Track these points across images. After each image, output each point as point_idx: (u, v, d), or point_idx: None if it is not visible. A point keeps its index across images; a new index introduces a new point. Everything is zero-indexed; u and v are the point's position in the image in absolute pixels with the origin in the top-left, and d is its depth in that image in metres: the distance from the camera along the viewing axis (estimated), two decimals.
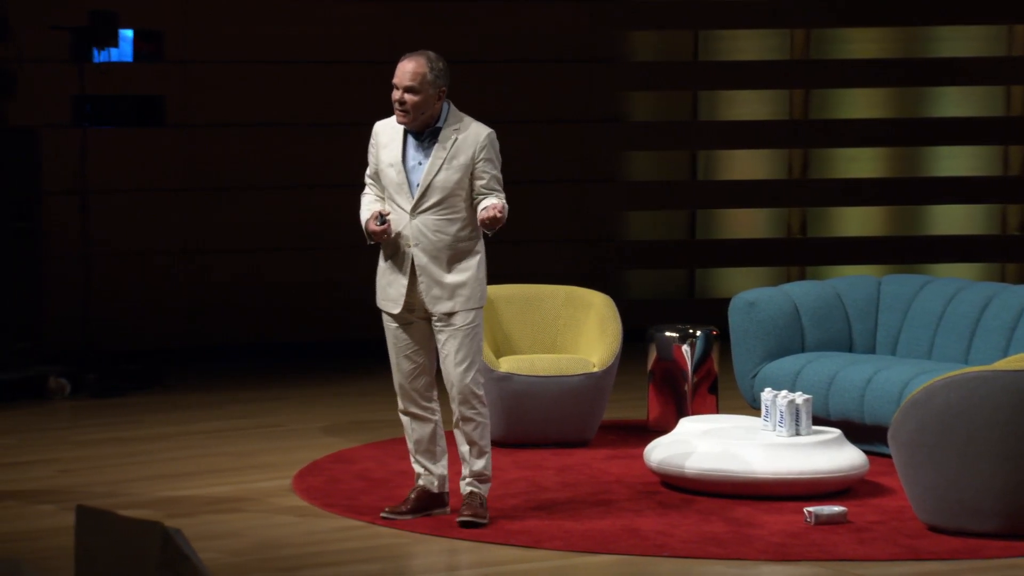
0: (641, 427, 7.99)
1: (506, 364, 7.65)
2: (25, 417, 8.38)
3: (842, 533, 6.15)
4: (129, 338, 9.83)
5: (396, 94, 6.06)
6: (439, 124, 6.10)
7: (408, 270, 6.13)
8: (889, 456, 6.46)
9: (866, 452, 6.95)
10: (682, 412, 7.79)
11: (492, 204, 6.01)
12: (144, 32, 9.29)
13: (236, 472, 7.17)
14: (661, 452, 6.80)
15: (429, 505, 6.29)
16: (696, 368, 7.87)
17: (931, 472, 6.02)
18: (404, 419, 6.30)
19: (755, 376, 7.71)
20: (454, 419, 6.21)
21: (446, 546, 6.01)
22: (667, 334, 7.93)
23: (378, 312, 6.33)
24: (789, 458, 6.61)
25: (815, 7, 10.90)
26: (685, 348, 7.87)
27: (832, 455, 6.66)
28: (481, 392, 6.18)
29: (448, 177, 6.07)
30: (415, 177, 6.11)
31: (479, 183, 6.07)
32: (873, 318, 7.86)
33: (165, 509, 6.46)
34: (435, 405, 6.29)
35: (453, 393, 6.16)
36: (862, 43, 11.06)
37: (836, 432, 6.81)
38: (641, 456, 7.02)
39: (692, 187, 11.08)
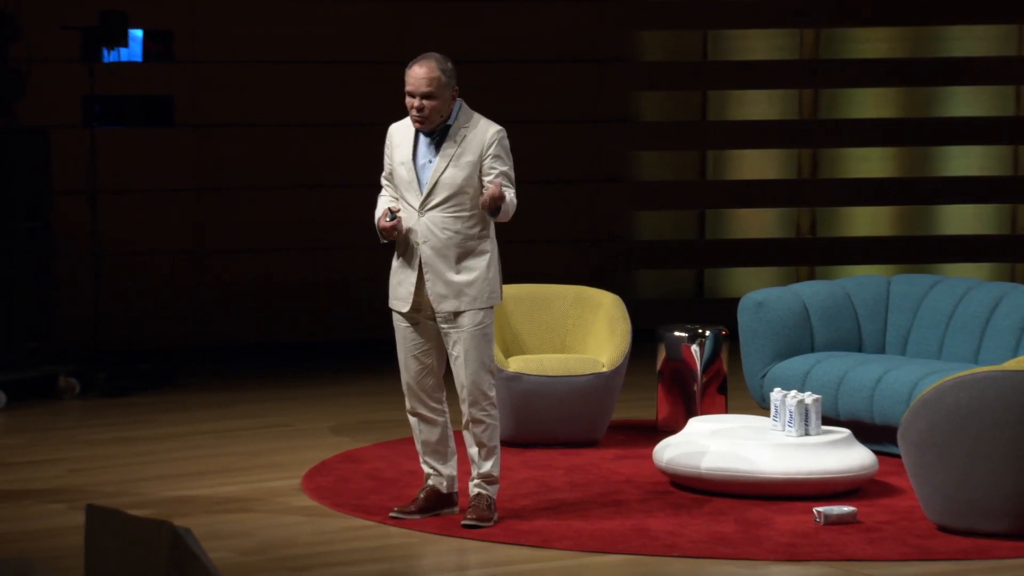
0: (650, 427, 7.99)
1: (515, 364, 7.65)
2: (35, 416, 8.39)
3: (851, 533, 6.14)
4: (138, 338, 9.84)
5: (414, 102, 6.05)
6: (449, 123, 6.11)
7: (416, 268, 6.13)
8: (899, 456, 6.45)
9: (875, 452, 6.94)
10: (691, 412, 7.78)
11: (496, 182, 6.00)
12: (153, 32, 9.30)
13: (245, 472, 7.17)
14: (670, 452, 6.79)
15: (438, 505, 6.29)
16: (705, 368, 7.87)
17: (941, 472, 6.02)
18: (412, 420, 6.30)
19: (764, 376, 7.70)
20: (463, 420, 6.21)
21: (455, 546, 6.01)
22: (676, 334, 7.92)
23: (386, 312, 6.33)
24: (798, 458, 6.60)
25: (825, 7, 10.89)
26: (694, 348, 7.87)
27: (841, 455, 6.66)
28: (492, 393, 6.16)
29: (455, 174, 6.07)
30: (424, 175, 6.12)
31: (486, 179, 6.06)
32: (883, 318, 7.85)
33: (174, 508, 6.47)
34: (443, 406, 6.28)
35: (463, 394, 6.15)
36: (872, 43, 11.05)
37: (845, 432, 6.80)
38: (650, 456, 7.02)
39: (701, 187, 11.07)
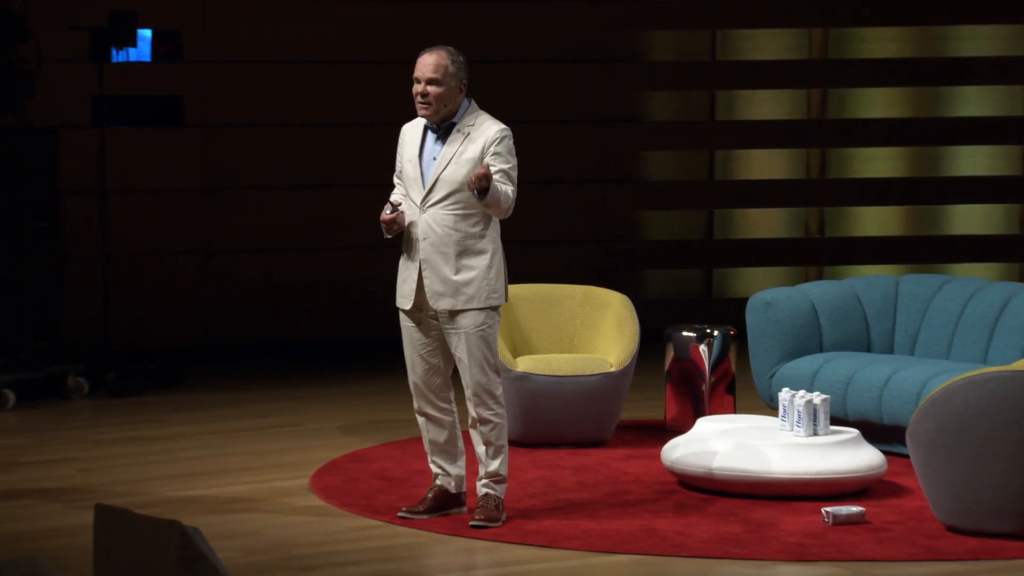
0: (658, 427, 7.98)
1: (523, 364, 7.65)
2: (44, 416, 8.40)
3: (860, 533, 6.14)
4: (147, 337, 9.85)
5: (418, 87, 6.07)
6: (455, 120, 6.11)
7: (417, 265, 6.13)
8: (907, 456, 6.45)
9: (884, 452, 6.94)
10: (699, 412, 7.78)
11: (486, 163, 5.96)
12: (162, 32, 9.31)
13: (254, 471, 7.18)
14: (678, 452, 6.79)
15: (446, 505, 6.29)
16: (713, 368, 7.87)
17: (949, 472, 6.01)
18: (420, 419, 6.30)
19: (773, 376, 7.70)
20: (470, 419, 6.21)
21: (463, 546, 6.01)
22: (684, 334, 7.92)
23: (394, 311, 6.33)
24: (807, 458, 6.60)
25: (833, 6, 10.88)
26: (702, 348, 7.87)
27: (850, 455, 6.65)
28: (498, 392, 6.16)
29: (457, 171, 6.06)
30: (428, 171, 6.12)
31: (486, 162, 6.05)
32: (891, 318, 7.84)
33: (183, 508, 6.48)
34: (451, 406, 6.28)
35: (468, 394, 6.15)
36: (880, 42, 11.04)
37: (854, 432, 6.80)
38: (658, 456, 7.02)
39: (709, 187, 11.07)
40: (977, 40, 11.07)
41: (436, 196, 6.09)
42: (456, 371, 6.24)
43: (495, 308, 6.16)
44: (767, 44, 10.98)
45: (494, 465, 6.18)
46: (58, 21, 9.23)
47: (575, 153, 10.62)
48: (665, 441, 7.07)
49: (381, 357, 9.95)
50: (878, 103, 11.08)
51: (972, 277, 7.95)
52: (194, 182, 10.02)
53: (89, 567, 4.32)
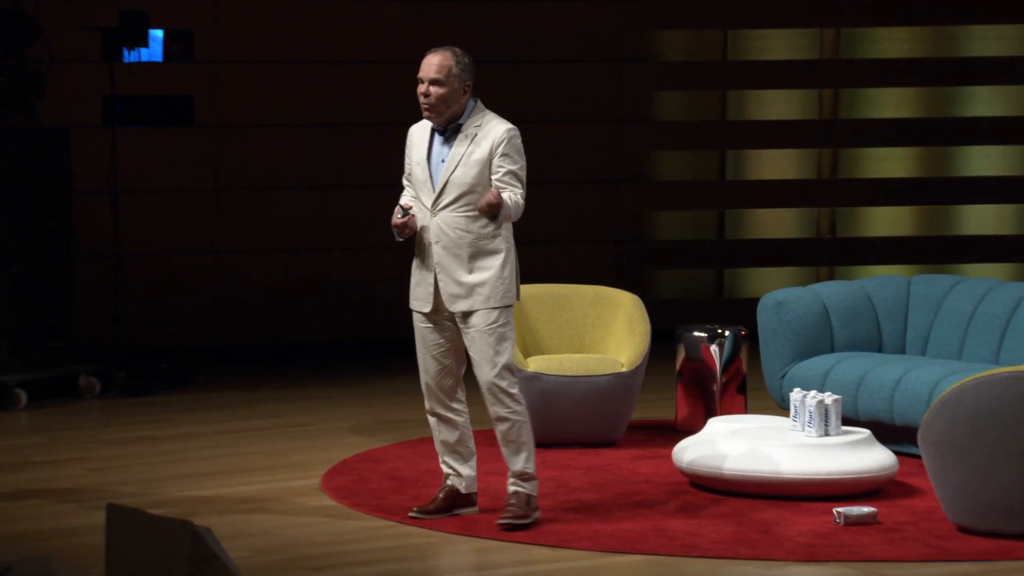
0: (669, 427, 7.98)
1: (534, 364, 7.65)
2: (55, 416, 8.42)
3: (872, 534, 6.13)
4: (159, 337, 9.86)
5: (421, 87, 6.07)
6: (461, 121, 6.09)
7: (431, 268, 6.12)
8: (919, 457, 6.44)
9: (896, 453, 6.93)
10: (711, 412, 7.77)
11: (492, 191, 5.97)
12: (174, 32, 9.33)
13: (265, 471, 7.18)
14: (690, 452, 6.79)
15: (457, 505, 6.29)
16: (725, 368, 7.86)
17: (961, 473, 6.00)
18: (431, 420, 6.30)
19: (784, 376, 7.69)
20: (491, 418, 6.19)
21: (475, 545, 6.01)
22: (695, 334, 7.92)
23: (405, 311, 6.33)
24: (818, 459, 6.59)
25: (845, 6, 10.87)
26: (714, 348, 7.86)
27: (861, 455, 6.65)
28: (514, 390, 6.13)
29: (466, 173, 6.06)
30: (437, 174, 6.11)
31: (494, 177, 6.05)
32: (903, 318, 7.83)
33: (194, 508, 6.48)
34: (462, 407, 6.27)
35: (485, 393, 6.14)
36: (892, 42, 11.02)
37: (865, 432, 6.79)
38: (669, 456, 7.02)
39: (721, 187, 11.06)
40: (989, 40, 11.05)
41: (446, 199, 6.08)
42: (469, 372, 6.23)
43: (509, 307, 6.15)
44: (778, 44, 10.97)
45: (519, 463, 6.15)
46: (70, 21, 9.24)
47: (586, 153, 10.62)
48: (676, 441, 7.07)
49: (392, 357, 9.95)
50: (889, 103, 11.06)
51: (984, 277, 7.93)
52: (205, 182, 10.03)
53: (101, 567, 4.32)
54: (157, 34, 9.21)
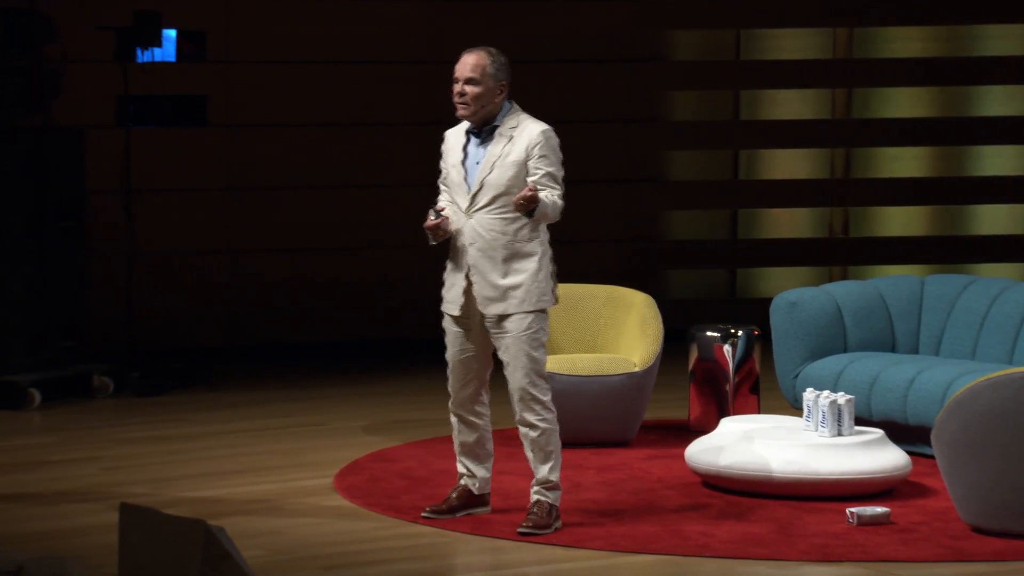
0: (682, 427, 7.97)
1: (547, 363, 7.62)
2: (69, 415, 8.43)
3: (885, 534, 6.12)
4: (172, 337, 9.87)
5: (456, 87, 6.03)
6: (496, 123, 6.06)
7: (465, 270, 6.07)
8: (932, 457, 6.43)
9: (909, 453, 6.92)
10: (723, 412, 7.77)
11: (531, 184, 5.93)
12: (187, 32, 9.34)
13: (278, 471, 7.19)
14: (702, 452, 6.78)
15: (469, 505, 6.28)
16: (737, 368, 7.85)
17: (975, 473, 5.99)
18: (453, 419, 6.27)
19: (797, 376, 7.68)
20: (517, 424, 6.17)
21: (487, 545, 6.01)
22: (708, 334, 7.91)
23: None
24: (831, 459, 6.59)
25: (858, 6, 10.85)
26: (726, 348, 7.85)
27: (875, 455, 6.64)
28: (545, 397, 6.07)
29: (501, 175, 6.02)
30: (472, 176, 6.07)
31: (531, 179, 6.00)
32: (916, 318, 7.82)
33: (207, 507, 6.49)
34: (484, 410, 6.22)
35: (513, 398, 6.10)
36: (905, 42, 11.01)
37: (879, 432, 6.78)
38: (682, 456, 7.01)
39: (734, 187, 11.05)
40: (1003, 39, 11.03)
41: (481, 201, 6.03)
42: (497, 375, 6.19)
43: (544, 311, 6.09)
44: (791, 44, 10.95)
45: (543, 471, 6.11)
46: (84, 21, 9.26)
47: (599, 153, 10.61)
48: (689, 441, 7.06)
49: (405, 357, 9.96)
50: (903, 103, 11.05)
51: (998, 277, 7.92)
52: (218, 182, 10.04)
53: (114, 566, 4.32)
54: (170, 34, 9.23)
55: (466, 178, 6.07)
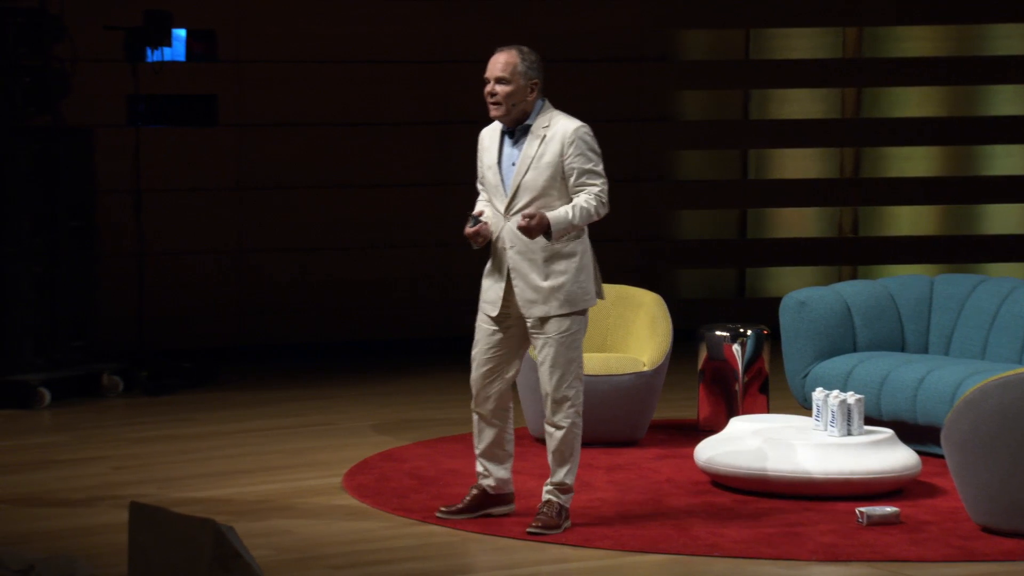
0: (691, 427, 7.97)
1: None
2: (79, 415, 8.44)
3: (894, 534, 6.12)
4: (182, 336, 9.88)
5: (488, 87, 5.97)
6: (529, 122, 6.01)
7: (505, 273, 6.03)
8: (942, 456, 6.42)
9: (919, 452, 6.91)
10: (732, 412, 7.76)
11: (527, 214, 5.84)
12: (197, 32, 9.34)
13: (287, 470, 7.20)
14: (711, 452, 6.78)
15: (485, 505, 6.24)
16: (747, 368, 7.85)
17: (984, 473, 5.98)
18: (474, 417, 6.23)
19: (806, 376, 7.67)
20: (544, 423, 6.16)
21: (497, 544, 6.01)
22: (718, 333, 7.91)
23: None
24: (841, 458, 6.58)
25: (868, 5, 10.84)
26: (736, 347, 7.85)
27: (884, 455, 6.63)
28: (578, 400, 6.04)
29: (537, 177, 5.97)
30: (509, 178, 6.02)
31: (570, 180, 5.95)
32: (926, 318, 7.81)
33: (216, 506, 6.50)
34: (507, 412, 6.18)
35: (545, 398, 6.07)
36: (915, 41, 11.00)
37: (888, 432, 6.78)
38: (691, 456, 7.01)
39: (743, 186, 11.05)
40: (1013, 39, 11.01)
41: (519, 203, 5.98)
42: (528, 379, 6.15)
43: (584, 312, 6.05)
44: (801, 43, 10.95)
45: (560, 474, 6.09)
46: (93, 21, 9.27)
47: (608, 153, 10.52)
48: (698, 441, 7.06)
49: (414, 356, 9.96)
50: (913, 102, 11.03)
51: (1008, 277, 7.91)
52: (228, 181, 10.05)
53: (124, 565, 4.33)
54: (180, 34, 9.23)
55: (502, 180, 6.02)
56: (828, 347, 7.69)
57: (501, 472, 6.23)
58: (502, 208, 6.03)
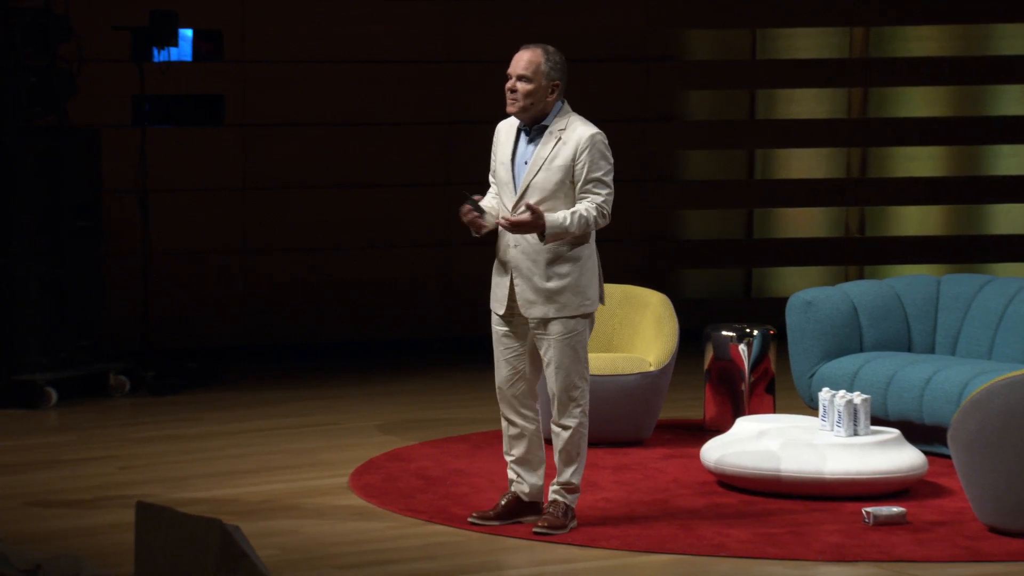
0: (697, 427, 7.96)
1: None
2: (85, 414, 8.45)
3: (901, 534, 6.11)
4: (187, 336, 9.89)
5: (509, 83, 5.96)
6: (546, 123, 6.00)
7: (509, 271, 6.03)
8: (948, 457, 6.41)
9: (925, 453, 6.90)
10: (739, 412, 7.76)
11: (518, 212, 5.84)
12: (203, 32, 9.34)
13: (293, 470, 7.19)
14: (718, 452, 6.77)
15: (518, 512, 6.16)
16: (753, 368, 7.84)
17: (991, 473, 5.97)
18: (503, 421, 6.19)
19: (812, 376, 7.67)
20: (551, 423, 6.15)
21: (502, 544, 6.01)
22: (724, 333, 7.90)
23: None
24: (847, 458, 6.57)
25: (874, 5, 10.83)
26: (742, 347, 7.84)
27: (891, 455, 6.62)
28: (582, 401, 6.03)
29: (547, 178, 5.96)
30: (520, 176, 6.01)
31: (578, 186, 5.95)
32: (932, 318, 7.80)
33: (223, 506, 6.50)
34: (534, 414, 6.14)
35: (552, 399, 6.05)
36: (921, 41, 10.98)
37: (895, 432, 6.77)
38: (697, 456, 7.00)
39: (749, 186, 11.04)
40: (1019, 39, 10.99)
41: (527, 202, 5.95)
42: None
43: (587, 316, 6.04)
44: (807, 43, 10.93)
45: (567, 474, 6.08)
46: (100, 21, 9.27)
47: (615, 152, 10.56)
48: (704, 441, 7.05)
49: (420, 356, 9.96)
50: (919, 102, 11.02)
51: (1014, 277, 7.90)
52: (234, 181, 10.05)
53: (130, 564, 4.33)
54: (186, 34, 9.23)
55: (513, 178, 6.01)
56: (834, 347, 7.68)
57: (533, 479, 6.16)
58: (510, 205, 6.02)
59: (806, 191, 10.99)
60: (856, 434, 6.69)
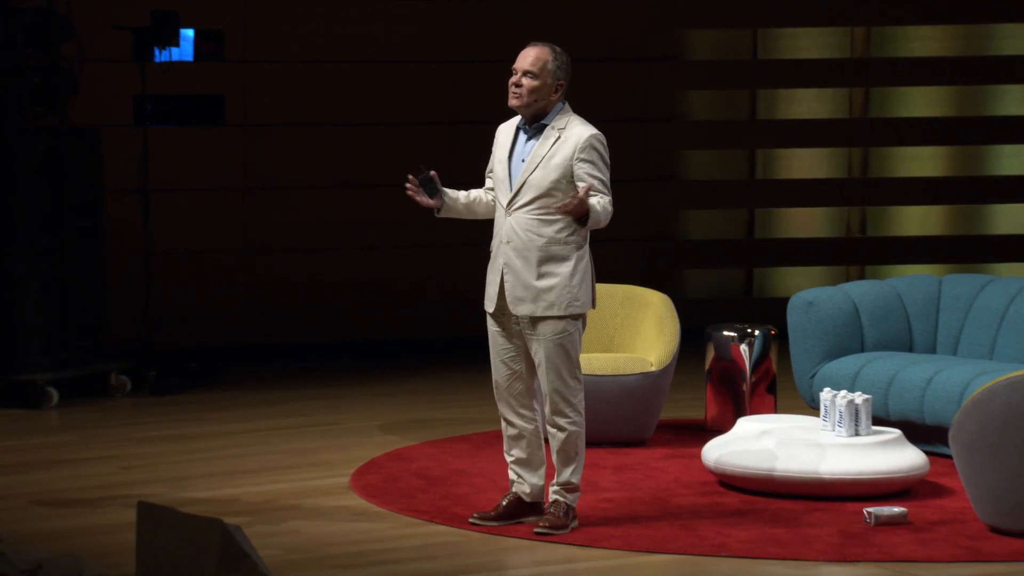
0: (699, 427, 7.97)
1: None
2: (87, 414, 8.45)
3: (902, 534, 6.11)
4: (189, 336, 9.89)
5: (513, 77, 5.97)
6: (546, 121, 6.01)
7: (500, 269, 6.04)
8: (950, 457, 6.41)
9: (926, 453, 6.90)
10: (740, 412, 7.76)
11: (583, 186, 5.85)
12: (205, 32, 9.35)
13: (294, 470, 7.20)
14: (719, 452, 6.77)
15: (520, 513, 6.16)
16: (754, 368, 7.84)
17: (992, 473, 5.97)
18: (502, 423, 6.20)
19: (814, 376, 7.67)
20: (546, 424, 6.15)
21: (503, 544, 6.01)
22: (725, 333, 7.90)
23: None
24: (848, 458, 6.57)
25: (875, 5, 10.83)
26: (743, 347, 7.84)
27: (892, 455, 6.62)
28: (575, 401, 6.03)
29: (544, 176, 5.97)
30: (516, 174, 6.03)
31: (580, 185, 5.93)
32: (934, 318, 7.80)
33: (224, 506, 6.50)
34: (532, 414, 6.14)
35: (545, 400, 6.06)
36: (923, 41, 10.98)
37: (896, 432, 6.77)
38: (699, 456, 7.00)
39: (750, 186, 11.04)
40: (1020, 39, 10.99)
41: (522, 200, 5.98)
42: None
43: (576, 316, 6.03)
44: (808, 43, 10.94)
45: (566, 474, 6.08)
46: (101, 21, 9.27)
47: (615, 152, 10.51)
48: (705, 441, 7.05)
49: (421, 356, 9.96)
50: (921, 102, 11.02)
51: (1015, 277, 7.90)
52: (236, 181, 10.05)
53: (131, 564, 4.34)
54: (188, 34, 9.24)
55: (509, 175, 6.03)
56: (836, 347, 7.68)
57: (534, 479, 6.16)
58: (505, 202, 6.04)
59: (807, 191, 10.99)
60: (857, 434, 6.69)
